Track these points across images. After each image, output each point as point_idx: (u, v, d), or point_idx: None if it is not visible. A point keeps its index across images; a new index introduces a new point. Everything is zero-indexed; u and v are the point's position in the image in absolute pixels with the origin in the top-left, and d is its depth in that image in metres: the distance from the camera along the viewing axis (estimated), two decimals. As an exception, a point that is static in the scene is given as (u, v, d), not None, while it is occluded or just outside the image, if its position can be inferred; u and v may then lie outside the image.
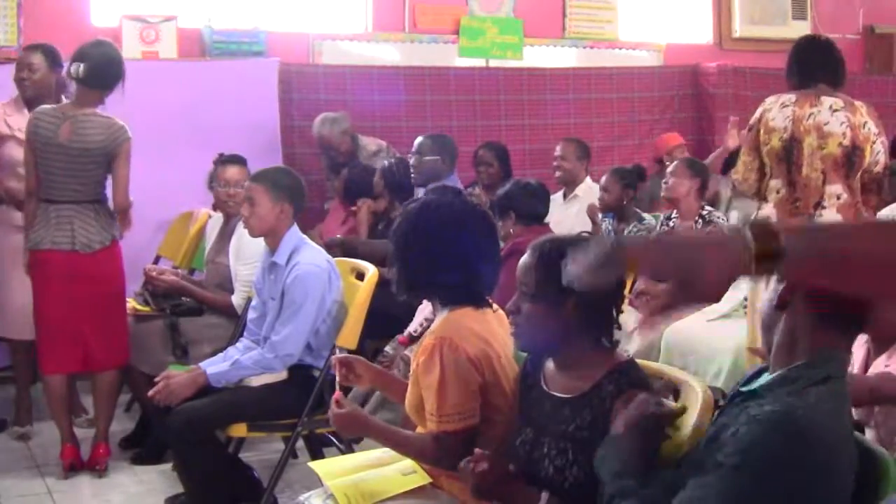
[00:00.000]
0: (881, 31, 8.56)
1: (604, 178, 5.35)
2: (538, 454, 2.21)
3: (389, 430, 2.60)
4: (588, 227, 5.44)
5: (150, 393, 3.46)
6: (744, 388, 1.87)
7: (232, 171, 4.40)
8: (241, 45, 6.29)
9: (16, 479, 4.16)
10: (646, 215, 5.36)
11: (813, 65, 3.96)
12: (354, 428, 2.67)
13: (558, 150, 5.77)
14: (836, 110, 3.85)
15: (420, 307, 4.45)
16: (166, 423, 3.42)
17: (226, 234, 4.42)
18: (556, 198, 5.47)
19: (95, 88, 4.15)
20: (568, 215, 5.17)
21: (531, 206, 4.50)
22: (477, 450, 2.24)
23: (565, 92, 7.10)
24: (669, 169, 4.94)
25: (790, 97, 3.94)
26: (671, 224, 4.87)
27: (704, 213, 4.72)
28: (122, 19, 6.06)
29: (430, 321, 4.29)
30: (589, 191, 5.62)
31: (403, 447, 2.53)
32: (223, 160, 4.45)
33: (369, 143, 6.01)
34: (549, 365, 2.32)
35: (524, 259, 2.28)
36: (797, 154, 3.87)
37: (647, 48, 7.78)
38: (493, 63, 7.22)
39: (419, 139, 5.26)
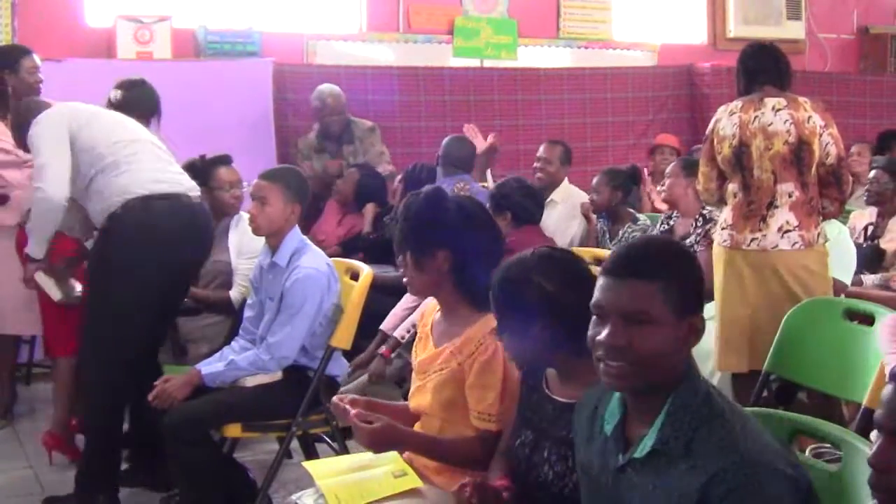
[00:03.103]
0: (875, 31, 8.60)
1: (595, 179, 5.35)
2: (538, 458, 2.21)
3: (430, 438, 2.55)
4: (569, 230, 5.44)
5: (149, 397, 3.47)
6: (637, 456, 1.79)
7: (227, 172, 4.43)
8: (235, 45, 6.30)
9: (9, 476, 4.17)
10: (640, 216, 5.37)
11: (757, 70, 4.03)
12: (390, 443, 2.48)
13: (542, 152, 5.69)
14: (778, 110, 3.90)
15: (396, 309, 4.48)
16: (161, 423, 3.42)
17: (218, 234, 4.41)
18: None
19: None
20: (548, 221, 5.14)
21: (528, 207, 4.52)
22: (467, 479, 2.23)
23: (559, 92, 7.12)
24: (666, 171, 4.96)
25: (737, 104, 4.02)
26: (671, 224, 4.88)
27: (705, 212, 4.72)
28: (116, 20, 6.06)
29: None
30: (567, 195, 5.60)
31: (447, 453, 2.51)
32: (214, 162, 4.45)
33: (363, 121, 6.11)
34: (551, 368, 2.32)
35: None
36: (747, 158, 3.92)
37: (642, 48, 7.80)
38: (488, 63, 7.24)
39: None
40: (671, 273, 1.80)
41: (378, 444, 2.46)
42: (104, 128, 3.80)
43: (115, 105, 4.34)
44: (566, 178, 5.71)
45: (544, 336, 2.18)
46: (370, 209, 5.50)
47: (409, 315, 4.51)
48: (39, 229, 3.74)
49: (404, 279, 2.68)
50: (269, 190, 3.55)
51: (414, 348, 2.77)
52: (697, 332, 1.82)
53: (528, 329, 2.18)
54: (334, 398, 2.65)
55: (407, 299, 4.58)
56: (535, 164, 5.70)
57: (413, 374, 2.74)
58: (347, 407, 2.56)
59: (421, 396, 2.64)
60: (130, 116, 4.24)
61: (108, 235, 3.68)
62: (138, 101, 4.41)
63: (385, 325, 4.55)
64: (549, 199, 5.54)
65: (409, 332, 4.37)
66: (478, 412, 2.47)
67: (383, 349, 4.46)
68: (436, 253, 2.58)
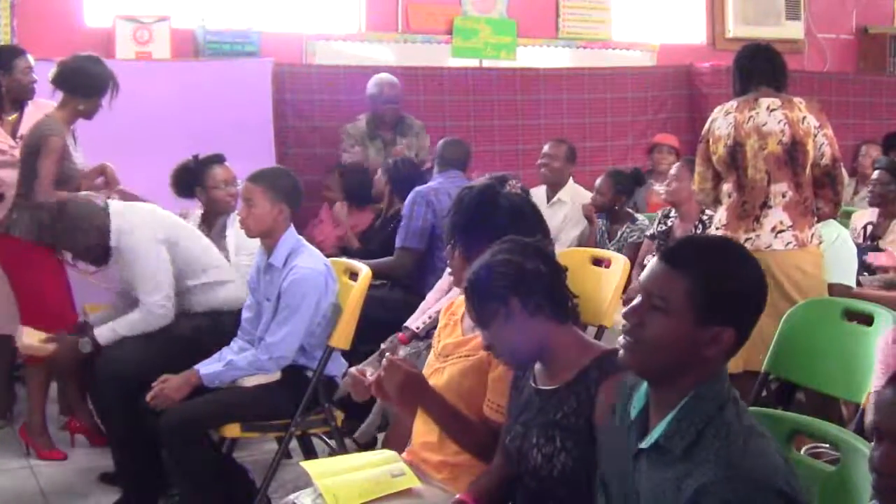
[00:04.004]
0: (874, 31, 8.59)
1: (599, 180, 5.36)
2: (527, 445, 2.24)
3: (452, 406, 2.52)
4: (575, 230, 5.44)
5: (147, 398, 3.48)
6: (644, 446, 1.81)
7: (221, 171, 4.44)
8: (234, 45, 6.29)
9: (9, 476, 4.17)
10: (639, 215, 5.37)
11: (752, 72, 4.05)
12: (417, 392, 2.49)
13: (547, 149, 5.76)
14: (773, 110, 3.92)
15: (422, 305, 4.48)
16: (159, 424, 3.43)
17: (214, 234, 4.41)
18: (540, 199, 5.37)
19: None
20: (554, 220, 5.15)
21: None
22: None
23: (559, 92, 7.10)
24: (672, 171, 4.93)
25: (732, 104, 4.04)
26: (669, 222, 4.87)
27: (705, 217, 4.69)
28: (115, 20, 6.04)
29: (434, 319, 4.32)
30: (574, 194, 5.64)
31: (463, 428, 2.50)
32: (207, 162, 4.44)
33: (414, 119, 6.14)
34: (538, 364, 2.34)
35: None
36: (741, 158, 3.94)
37: (641, 48, 7.80)
38: (487, 63, 7.23)
39: None
40: (702, 271, 1.77)
41: (407, 389, 2.47)
42: (195, 240, 4.02)
43: (52, 83, 4.35)
44: (571, 178, 5.74)
45: (525, 312, 2.22)
46: (339, 209, 5.53)
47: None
48: (132, 333, 3.81)
49: (448, 269, 2.70)
50: (254, 191, 3.57)
51: (438, 333, 2.79)
52: (721, 344, 1.77)
53: (508, 308, 2.22)
54: (352, 369, 2.68)
55: (432, 299, 4.57)
56: (540, 161, 5.76)
57: (432, 357, 2.76)
58: (368, 374, 2.61)
59: (437, 377, 2.66)
60: (72, 96, 4.34)
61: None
62: (73, 77, 4.35)
63: (410, 322, 4.56)
64: (556, 199, 5.62)
65: (424, 323, 4.37)
66: (495, 403, 2.49)
67: (399, 335, 4.47)
68: (484, 250, 2.59)
